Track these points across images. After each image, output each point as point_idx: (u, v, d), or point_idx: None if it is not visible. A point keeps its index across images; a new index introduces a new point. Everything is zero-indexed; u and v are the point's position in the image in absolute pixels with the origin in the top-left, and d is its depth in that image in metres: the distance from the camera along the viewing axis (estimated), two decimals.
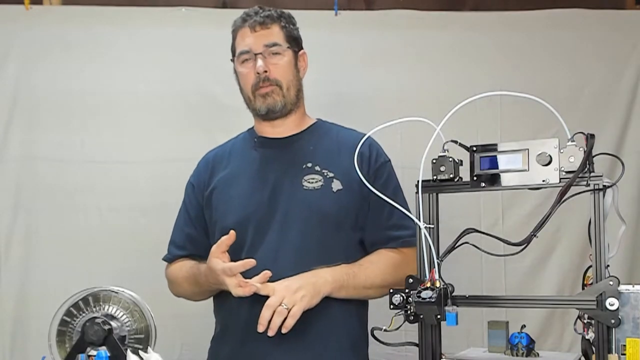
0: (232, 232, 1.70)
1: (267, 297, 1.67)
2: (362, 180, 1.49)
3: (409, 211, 1.59)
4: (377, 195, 1.48)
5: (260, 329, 1.64)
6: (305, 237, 1.78)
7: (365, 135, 1.58)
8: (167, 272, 1.97)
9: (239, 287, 1.66)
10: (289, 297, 1.65)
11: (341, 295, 1.75)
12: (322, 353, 1.76)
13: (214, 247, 1.71)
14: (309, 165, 1.83)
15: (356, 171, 1.52)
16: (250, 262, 1.66)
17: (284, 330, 1.65)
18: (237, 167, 1.88)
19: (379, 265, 1.79)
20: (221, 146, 2.00)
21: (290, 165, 1.84)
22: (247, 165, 1.87)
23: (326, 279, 1.72)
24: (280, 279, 1.70)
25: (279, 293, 1.66)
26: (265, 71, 1.82)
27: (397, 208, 1.49)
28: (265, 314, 1.64)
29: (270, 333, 1.64)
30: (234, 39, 1.90)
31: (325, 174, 1.82)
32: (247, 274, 1.69)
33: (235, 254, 1.74)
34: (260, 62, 1.82)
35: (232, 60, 1.91)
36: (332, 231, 1.80)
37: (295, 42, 1.90)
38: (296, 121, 1.91)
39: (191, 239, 1.93)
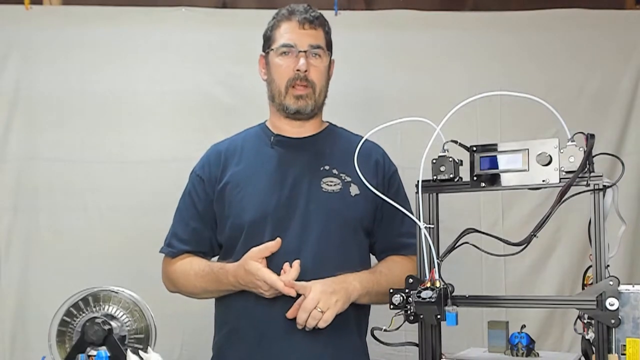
0: (278, 239, 1.72)
1: (285, 296, 1.68)
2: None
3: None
4: (390, 203, 1.50)
5: (300, 327, 1.68)
6: (324, 240, 1.78)
7: (364, 139, 1.56)
8: (171, 267, 1.91)
9: (271, 291, 1.69)
10: (324, 301, 1.66)
11: (364, 302, 1.78)
12: (337, 353, 1.78)
13: (254, 251, 1.71)
14: (327, 167, 1.84)
15: (360, 176, 1.52)
16: (291, 292, 1.68)
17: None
18: (253, 164, 1.86)
19: (395, 273, 1.79)
20: (231, 139, 1.96)
21: (308, 167, 1.84)
22: (264, 163, 1.85)
23: (355, 285, 1.72)
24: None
25: (314, 295, 1.66)
26: (306, 70, 1.81)
27: (408, 216, 1.50)
28: (302, 316, 1.66)
29: None
30: (274, 28, 1.87)
31: (343, 177, 1.83)
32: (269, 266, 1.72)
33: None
34: (303, 60, 1.80)
35: (267, 50, 1.88)
36: (350, 235, 1.82)
37: (331, 49, 1.91)
38: (315, 124, 1.92)
39: (197, 234, 1.89)
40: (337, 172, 1.84)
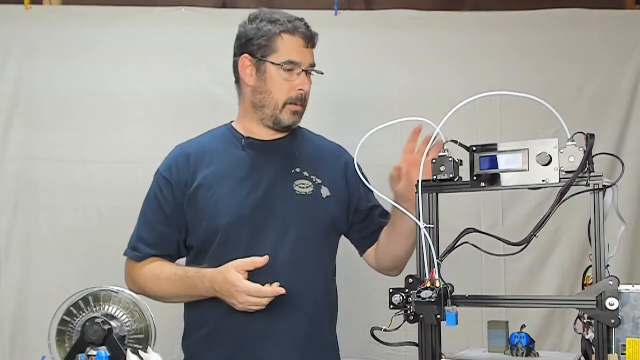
0: (266, 257, 1.68)
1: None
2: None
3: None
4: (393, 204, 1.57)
5: None
6: (301, 242, 1.79)
7: (364, 139, 1.54)
8: (138, 270, 1.85)
9: (252, 307, 1.67)
10: None
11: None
12: (315, 356, 1.81)
13: (240, 263, 1.68)
14: (298, 170, 1.85)
15: (361, 178, 1.59)
16: (280, 290, 1.66)
17: None
18: (225, 167, 1.84)
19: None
20: (196, 141, 1.92)
21: (280, 169, 1.84)
22: (236, 166, 1.84)
23: None
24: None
25: None
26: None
27: (397, 207, 1.55)
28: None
29: None
30: (274, 37, 1.80)
31: (314, 180, 1.85)
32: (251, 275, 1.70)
33: (229, 254, 1.73)
34: (306, 81, 1.81)
35: (263, 59, 1.80)
36: (324, 237, 1.85)
37: None
38: None
39: (164, 237, 1.84)
40: (308, 175, 1.85)
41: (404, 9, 2.65)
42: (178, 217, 1.83)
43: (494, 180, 1.37)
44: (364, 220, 1.91)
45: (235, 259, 1.70)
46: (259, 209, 1.79)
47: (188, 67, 2.58)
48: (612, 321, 1.25)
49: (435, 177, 1.40)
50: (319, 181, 1.85)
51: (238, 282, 1.66)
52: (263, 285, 1.66)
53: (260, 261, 1.68)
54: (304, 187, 1.83)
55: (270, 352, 1.74)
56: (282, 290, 1.65)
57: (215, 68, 2.58)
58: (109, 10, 2.61)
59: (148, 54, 2.58)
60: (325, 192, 1.84)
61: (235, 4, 2.76)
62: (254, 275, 1.68)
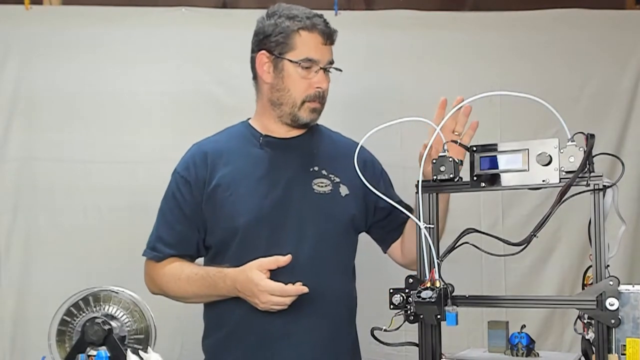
0: (289, 255, 1.67)
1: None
2: (364, 186, 1.52)
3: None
4: (383, 198, 1.52)
5: None
6: (320, 241, 1.79)
7: (364, 139, 1.55)
8: (159, 270, 1.85)
9: (274, 306, 1.65)
10: None
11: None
12: (336, 355, 1.81)
13: (263, 262, 1.67)
14: (316, 168, 1.84)
15: (359, 176, 1.51)
16: (303, 289, 1.64)
17: None
18: (242, 165, 1.83)
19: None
20: (214, 139, 1.92)
21: (298, 168, 1.84)
22: (254, 165, 1.83)
23: None
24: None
25: None
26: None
27: (403, 212, 1.56)
28: None
29: None
30: (292, 34, 1.78)
31: (332, 178, 1.84)
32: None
33: (249, 254, 1.72)
34: (324, 78, 1.80)
35: (281, 56, 1.79)
36: (342, 235, 1.84)
37: None
38: None
39: (183, 237, 1.83)
40: (326, 173, 1.84)
41: (404, 9, 2.65)
42: (197, 217, 1.82)
43: (494, 180, 1.37)
44: (387, 216, 1.89)
45: (254, 259, 1.69)
46: (278, 208, 1.78)
47: (188, 67, 2.58)
48: (612, 321, 1.25)
49: (435, 177, 1.40)
50: (337, 179, 1.84)
51: (260, 281, 1.64)
52: (285, 284, 1.65)
53: (283, 260, 1.66)
54: (322, 186, 1.82)
55: (289, 352, 1.73)
56: (305, 289, 1.64)
57: (215, 68, 2.58)
58: (109, 10, 2.61)
59: (148, 54, 2.58)
60: (343, 190, 1.83)
61: (235, 4, 2.77)
62: (274, 275, 1.67)
